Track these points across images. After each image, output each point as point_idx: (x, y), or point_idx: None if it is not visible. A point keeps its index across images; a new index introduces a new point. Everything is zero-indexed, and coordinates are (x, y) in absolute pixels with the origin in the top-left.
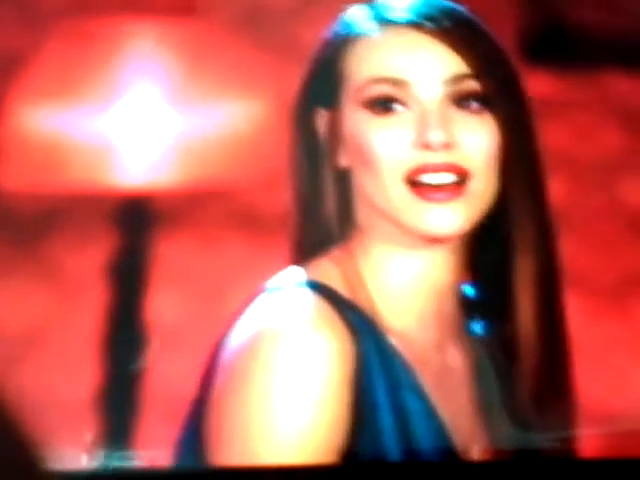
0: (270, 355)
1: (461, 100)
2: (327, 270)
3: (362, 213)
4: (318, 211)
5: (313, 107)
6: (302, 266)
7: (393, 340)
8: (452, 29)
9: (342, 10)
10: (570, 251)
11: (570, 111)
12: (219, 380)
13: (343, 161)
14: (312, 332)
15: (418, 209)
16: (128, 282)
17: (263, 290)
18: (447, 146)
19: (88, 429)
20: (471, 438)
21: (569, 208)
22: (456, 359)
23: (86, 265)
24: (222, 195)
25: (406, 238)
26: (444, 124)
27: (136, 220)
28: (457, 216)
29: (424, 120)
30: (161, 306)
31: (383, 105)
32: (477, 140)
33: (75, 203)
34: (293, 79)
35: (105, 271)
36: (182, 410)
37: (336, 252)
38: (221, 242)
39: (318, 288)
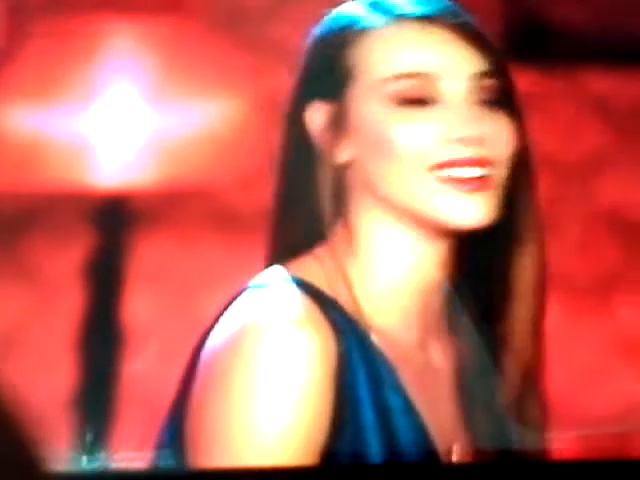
0: (253, 351)
1: (482, 96)
2: (311, 268)
3: (358, 209)
4: (305, 207)
5: (307, 101)
6: (285, 264)
7: (376, 338)
8: (467, 25)
9: (320, 9)
10: (549, 249)
11: (550, 108)
12: (201, 376)
13: (345, 154)
14: (295, 329)
15: (446, 201)
16: (106, 282)
17: (244, 289)
18: (478, 141)
19: (65, 429)
20: (453, 437)
21: (548, 205)
22: (439, 358)
23: (64, 265)
24: (200, 195)
25: (412, 232)
26: (474, 119)
27: (114, 220)
28: (484, 207)
29: (454, 115)
30: (139, 306)
31: (410, 99)
32: (501, 135)
33: (53, 203)
34: (271, 78)
35: (83, 271)
36: (158, 410)
37: (320, 250)
38: (199, 242)
39: (302, 285)
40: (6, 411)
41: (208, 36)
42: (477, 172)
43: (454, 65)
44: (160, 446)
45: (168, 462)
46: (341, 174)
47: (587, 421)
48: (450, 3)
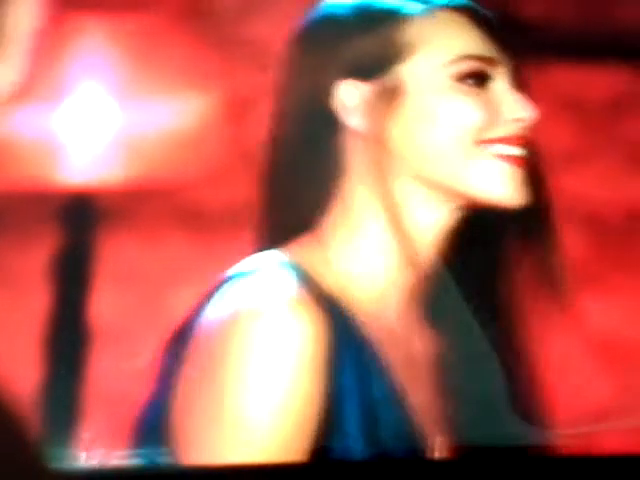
0: (247, 335)
1: (516, 85)
2: (302, 252)
3: (372, 186)
4: (303, 188)
5: (333, 79)
6: (276, 248)
7: (363, 326)
8: (495, 20)
9: (291, 8)
10: None
11: None
12: (192, 362)
13: (387, 130)
14: (288, 313)
15: (496, 175)
16: (72, 281)
17: (228, 275)
18: (525, 123)
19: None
20: (433, 428)
21: None
22: (420, 347)
23: (30, 263)
24: (167, 192)
25: (433, 212)
26: (522, 102)
27: (81, 218)
28: (525, 187)
29: (508, 97)
30: (106, 304)
31: (471, 79)
32: (530, 122)
33: (20, 200)
34: (239, 76)
35: (49, 269)
36: (124, 409)
37: (311, 234)
38: (166, 240)
39: (293, 269)
40: (5, 411)
41: (177, 34)
42: (521, 151)
43: (501, 54)
44: (137, 442)
45: (145, 459)
46: (366, 151)
47: (556, 419)
48: None
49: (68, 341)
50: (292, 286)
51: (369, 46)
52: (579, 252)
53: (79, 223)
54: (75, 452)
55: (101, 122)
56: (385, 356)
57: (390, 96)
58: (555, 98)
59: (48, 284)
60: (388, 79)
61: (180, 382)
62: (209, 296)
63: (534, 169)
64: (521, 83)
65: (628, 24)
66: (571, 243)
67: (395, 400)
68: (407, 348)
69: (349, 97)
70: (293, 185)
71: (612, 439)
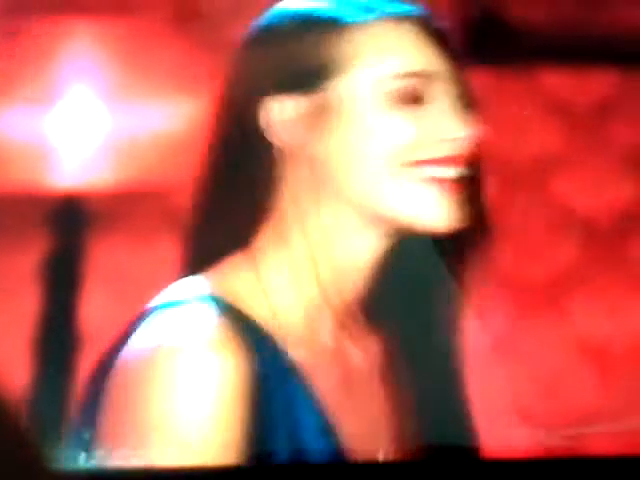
0: (166, 372)
1: (462, 100)
2: (229, 278)
3: (302, 205)
4: (233, 206)
5: (263, 93)
6: (203, 272)
7: (293, 352)
8: (442, 30)
9: None
10: (501, 251)
11: (507, 108)
12: (115, 396)
13: (316, 147)
14: (208, 351)
15: (426, 201)
16: (62, 283)
17: (155, 305)
18: (465, 142)
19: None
20: (383, 436)
21: (508, 206)
22: (362, 359)
23: (20, 266)
24: (157, 196)
25: (362, 233)
26: (462, 121)
27: (71, 221)
28: (462, 210)
29: (447, 115)
30: (95, 307)
31: (408, 97)
32: (473, 139)
33: (9, 204)
34: None
35: (39, 272)
36: None
37: (241, 255)
38: (156, 243)
39: (217, 302)
40: (6, 411)
41: (167, 37)
42: (458, 172)
43: (444, 67)
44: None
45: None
46: (297, 170)
47: (545, 423)
48: (418, 6)
49: (58, 344)
50: (213, 322)
51: (304, 58)
52: (570, 255)
53: (69, 226)
54: (64, 453)
55: (91, 125)
56: (315, 381)
57: (322, 112)
58: (544, 102)
59: (38, 287)
60: (322, 94)
61: (105, 409)
62: (134, 325)
63: (475, 189)
64: (469, 97)
65: (616, 28)
66: (562, 246)
67: (323, 426)
68: (344, 366)
69: (281, 111)
70: (225, 200)
71: (601, 441)
